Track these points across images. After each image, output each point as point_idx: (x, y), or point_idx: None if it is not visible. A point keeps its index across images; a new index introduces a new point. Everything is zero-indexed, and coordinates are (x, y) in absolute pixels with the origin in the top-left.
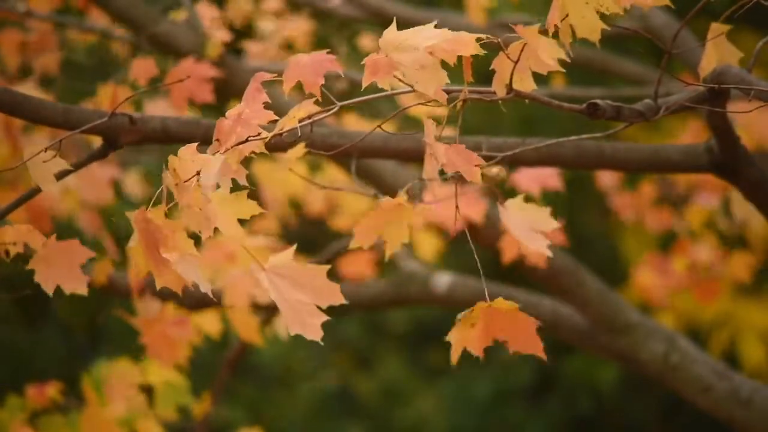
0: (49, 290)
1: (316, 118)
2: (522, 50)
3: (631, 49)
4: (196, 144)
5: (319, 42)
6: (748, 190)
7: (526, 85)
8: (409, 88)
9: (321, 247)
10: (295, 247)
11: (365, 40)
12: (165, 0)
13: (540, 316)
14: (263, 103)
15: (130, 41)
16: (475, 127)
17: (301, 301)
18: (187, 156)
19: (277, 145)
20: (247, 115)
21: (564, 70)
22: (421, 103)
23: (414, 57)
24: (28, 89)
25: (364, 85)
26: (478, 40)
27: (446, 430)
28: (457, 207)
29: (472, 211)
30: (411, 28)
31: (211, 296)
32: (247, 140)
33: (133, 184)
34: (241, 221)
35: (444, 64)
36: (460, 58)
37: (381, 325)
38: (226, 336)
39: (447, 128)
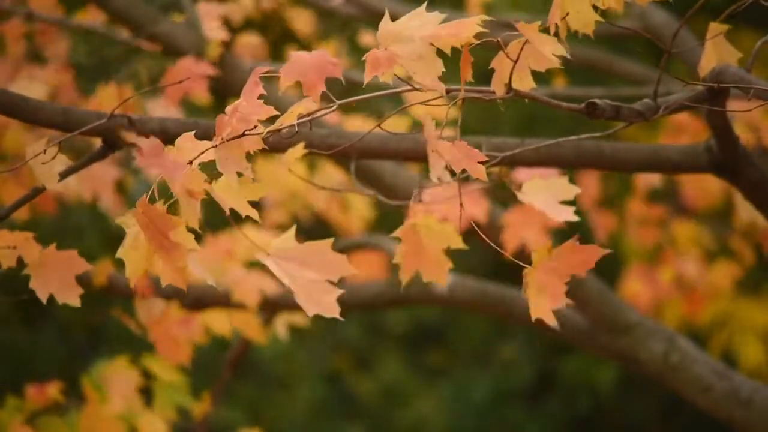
0: (43, 298)
1: (315, 116)
2: (522, 49)
3: (630, 49)
4: (193, 131)
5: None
6: (748, 190)
7: (525, 84)
8: (409, 87)
9: None
10: (294, 228)
11: (365, 39)
12: (165, 0)
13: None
14: (260, 96)
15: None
16: (475, 127)
17: (312, 279)
18: (185, 145)
19: (276, 145)
20: (245, 109)
21: (564, 68)
22: (422, 102)
23: (411, 48)
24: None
25: (366, 80)
26: (480, 23)
27: (446, 430)
28: (461, 205)
29: (475, 211)
30: (404, 16)
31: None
32: (243, 134)
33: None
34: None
35: (444, 61)
36: (458, 54)
37: (381, 326)
38: (226, 336)
39: (446, 128)
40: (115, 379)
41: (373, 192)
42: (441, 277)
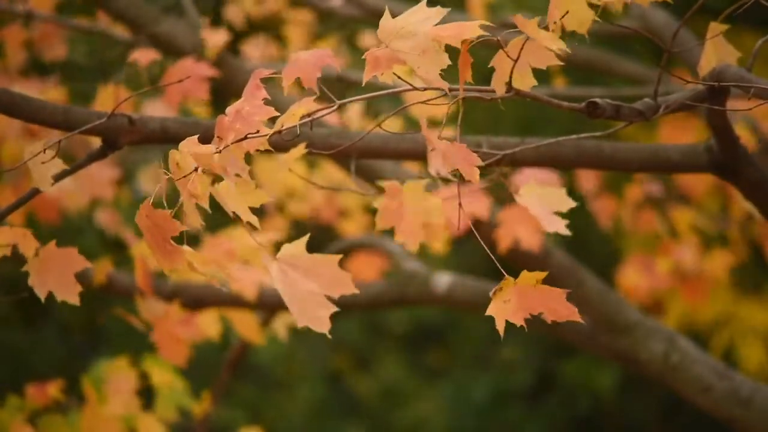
0: (42, 295)
1: (315, 116)
2: (522, 47)
3: (630, 49)
4: (197, 136)
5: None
6: (748, 190)
7: (525, 82)
8: (409, 87)
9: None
10: (308, 236)
11: (365, 40)
12: (165, 0)
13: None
14: (263, 99)
15: (129, 41)
16: (477, 126)
17: (312, 291)
18: (188, 149)
19: (277, 145)
20: (247, 112)
21: (564, 68)
22: (422, 102)
23: (414, 42)
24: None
25: (366, 79)
26: (481, 25)
27: (446, 430)
28: (460, 205)
29: (476, 209)
30: (405, 12)
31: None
32: (245, 137)
33: (146, 180)
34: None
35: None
36: (458, 54)
37: (381, 326)
38: (226, 336)
39: (447, 128)
40: (115, 379)
41: (373, 192)
42: (412, 242)
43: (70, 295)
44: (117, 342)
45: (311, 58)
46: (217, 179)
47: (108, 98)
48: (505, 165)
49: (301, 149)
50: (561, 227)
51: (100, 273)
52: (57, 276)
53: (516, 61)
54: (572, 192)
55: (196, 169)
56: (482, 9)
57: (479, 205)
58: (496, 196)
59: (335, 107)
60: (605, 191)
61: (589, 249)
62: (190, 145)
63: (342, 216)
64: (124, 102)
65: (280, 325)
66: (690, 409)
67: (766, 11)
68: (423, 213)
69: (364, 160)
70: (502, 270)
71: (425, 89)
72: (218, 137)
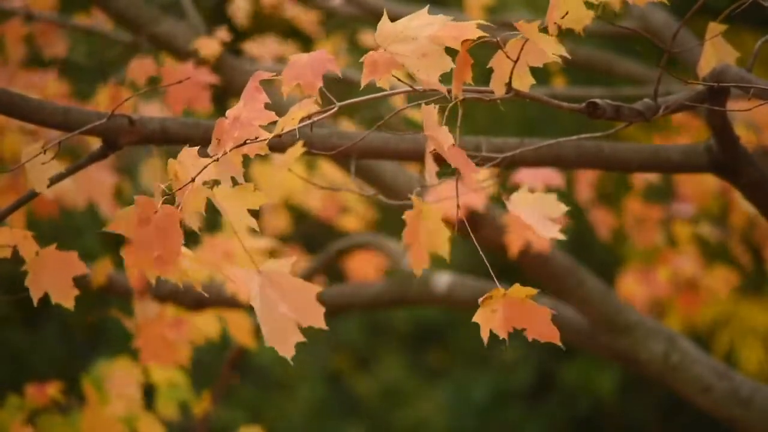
0: (35, 297)
1: (315, 119)
2: (521, 48)
3: (630, 49)
4: (197, 147)
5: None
6: (748, 190)
7: (525, 82)
8: (409, 88)
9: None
10: (294, 259)
11: (366, 40)
12: (165, 0)
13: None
14: (263, 103)
15: (129, 41)
16: (478, 126)
17: (285, 315)
18: (187, 159)
19: (276, 145)
20: (246, 116)
21: (564, 66)
22: (421, 103)
23: (415, 46)
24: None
25: (363, 83)
26: (479, 26)
27: (446, 430)
28: (458, 206)
29: (473, 201)
30: (404, 17)
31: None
32: (245, 143)
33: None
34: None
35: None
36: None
37: (381, 326)
38: (226, 336)
39: (446, 129)
40: (115, 379)
41: (373, 192)
42: (442, 245)
43: (65, 298)
44: (117, 342)
45: (311, 61)
46: (215, 182)
47: (107, 99)
48: (505, 166)
49: (300, 149)
50: (556, 233)
51: (100, 273)
52: (54, 279)
53: (516, 62)
54: (570, 200)
55: (193, 180)
56: (480, 10)
57: (477, 198)
58: (497, 197)
59: (334, 109)
60: (602, 204)
61: (590, 251)
62: (189, 155)
63: (343, 212)
64: (124, 102)
65: None
66: (690, 409)
67: (765, 11)
68: (439, 220)
69: (364, 160)
70: (492, 274)
71: (424, 91)
72: (217, 140)
